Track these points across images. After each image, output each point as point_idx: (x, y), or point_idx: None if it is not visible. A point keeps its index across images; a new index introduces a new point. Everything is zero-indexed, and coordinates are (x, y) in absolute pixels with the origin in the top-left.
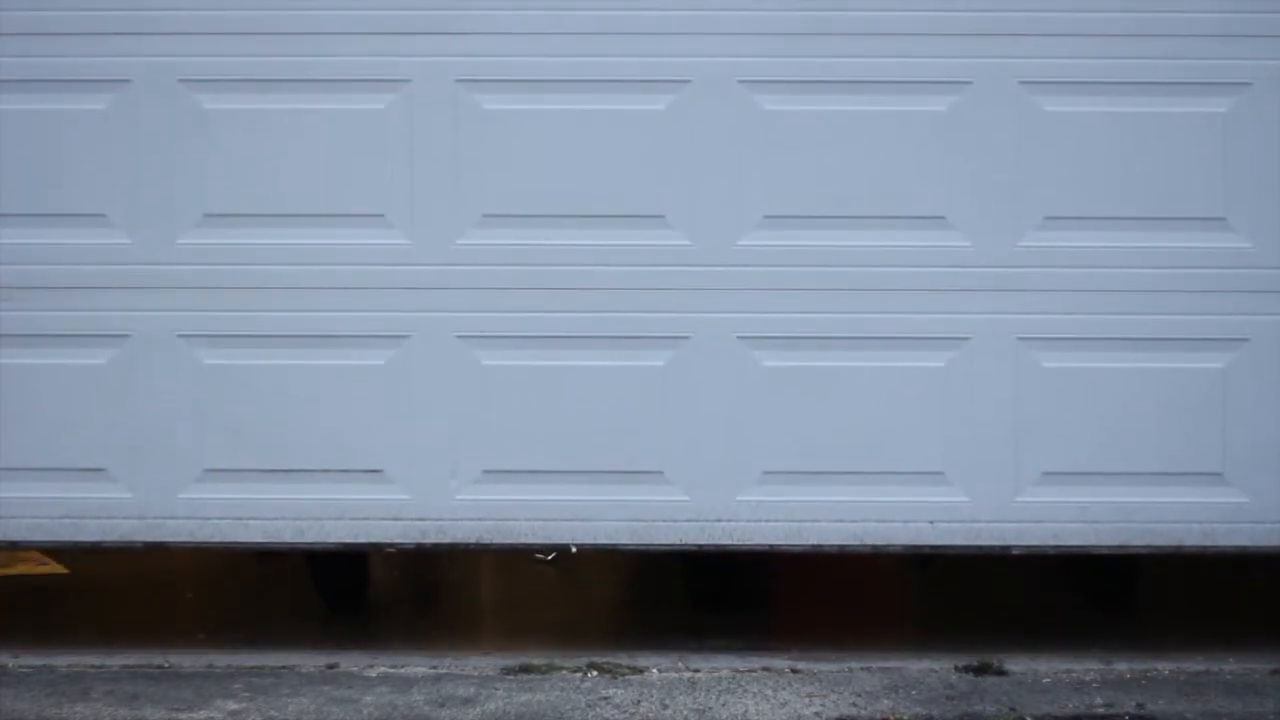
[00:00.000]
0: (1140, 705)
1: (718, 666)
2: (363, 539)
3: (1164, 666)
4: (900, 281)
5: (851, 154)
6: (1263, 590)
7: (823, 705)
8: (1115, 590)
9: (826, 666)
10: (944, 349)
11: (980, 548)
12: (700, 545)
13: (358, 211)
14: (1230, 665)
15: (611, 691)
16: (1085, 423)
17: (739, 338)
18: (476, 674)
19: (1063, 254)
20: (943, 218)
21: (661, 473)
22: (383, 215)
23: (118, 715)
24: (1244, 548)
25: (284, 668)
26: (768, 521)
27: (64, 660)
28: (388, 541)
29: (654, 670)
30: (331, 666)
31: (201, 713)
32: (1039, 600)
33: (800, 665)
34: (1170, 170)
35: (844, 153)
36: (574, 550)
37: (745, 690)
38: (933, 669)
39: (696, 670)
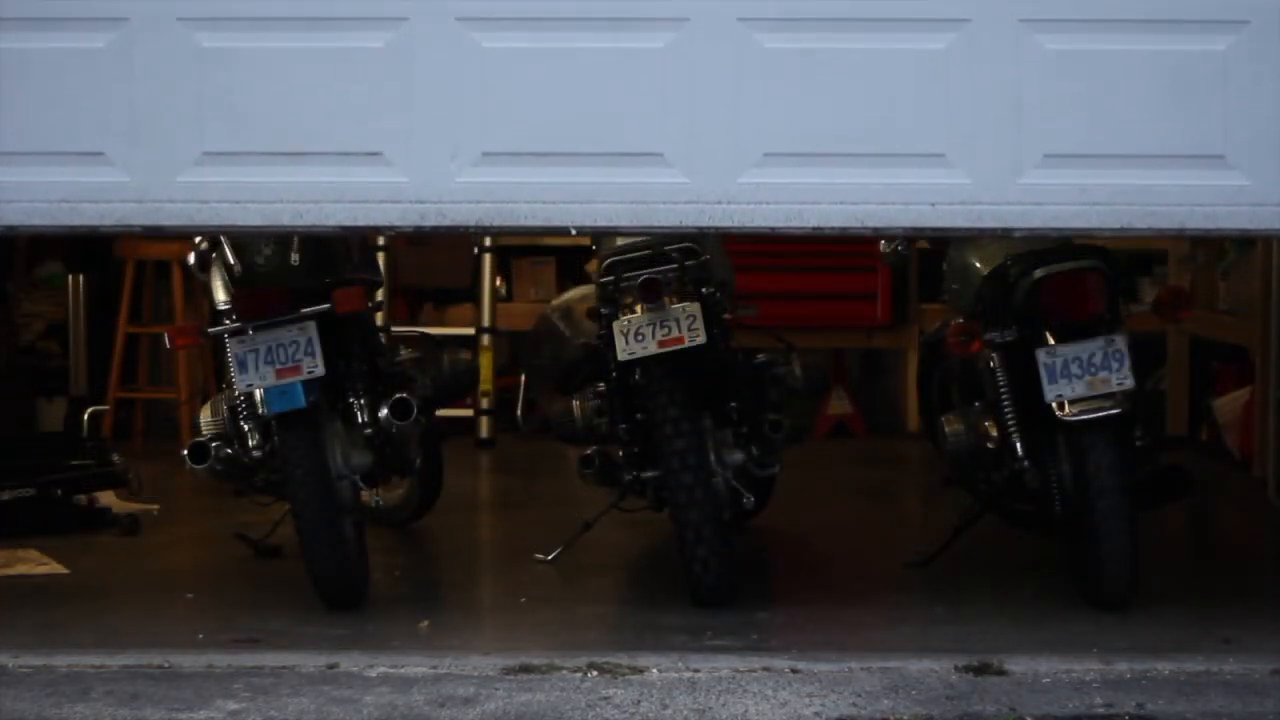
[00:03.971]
0: (1140, 705)
1: (718, 666)
2: (362, 222)
3: (1164, 666)
4: None
5: None
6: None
7: (823, 705)
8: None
9: (826, 666)
10: (944, 30)
11: (981, 229)
12: (700, 227)
13: None
14: (1230, 665)
15: (611, 691)
16: (1086, 105)
17: (739, 19)
18: (476, 674)
19: None
20: None
21: (661, 155)
22: None
23: (118, 715)
24: (1245, 230)
25: (284, 668)
26: (768, 204)
27: (64, 660)
28: (387, 224)
29: (654, 670)
30: (331, 666)
31: (201, 713)
32: (1039, 600)
33: (800, 665)
34: None
35: None
36: (573, 233)
37: (745, 690)
38: (933, 669)
39: (696, 670)
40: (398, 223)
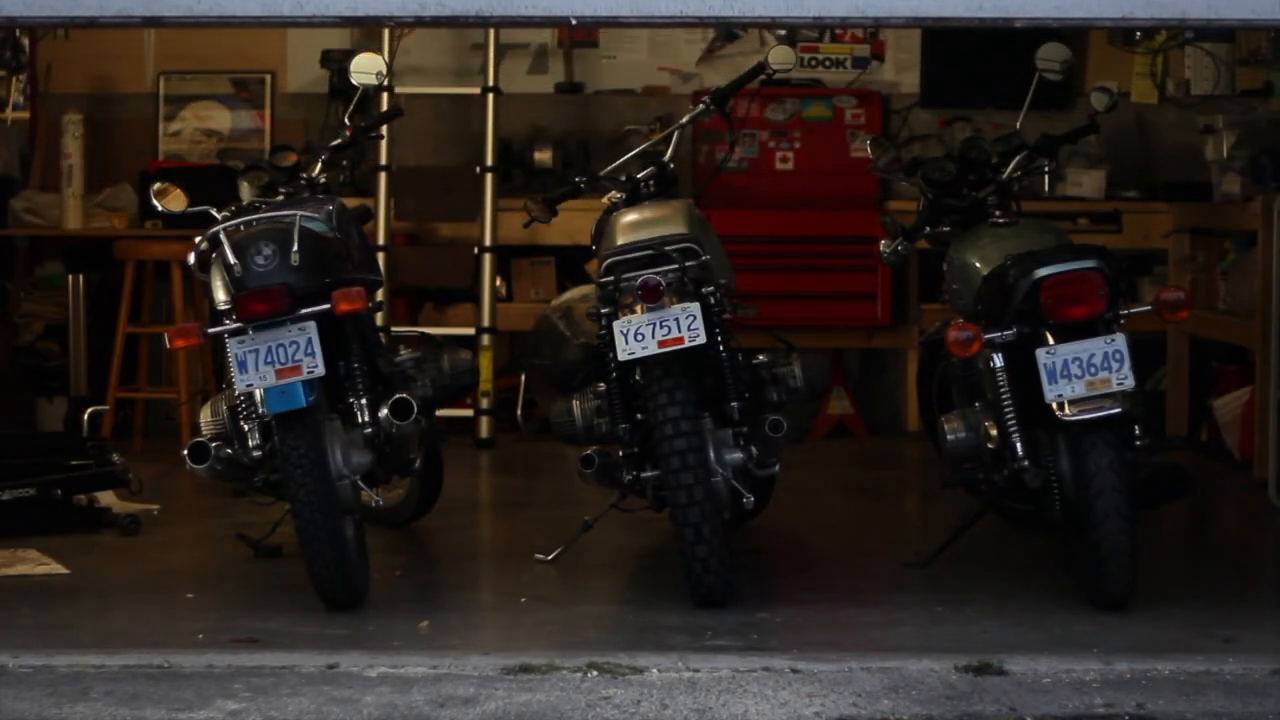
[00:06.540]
0: (1140, 705)
1: (718, 666)
2: (362, 12)
3: (1164, 666)
4: None
5: None
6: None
7: (823, 705)
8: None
9: (826, 666)
10: None
11: (983, 20)
12: (701, 18)
13: None
14: (1230, 665)
15: (611, 691)
16: None
17: None
18: (476, 674)
19: None
20: None
21: None
22: None
23: (118, 715)
24: (1247, 20)
25: (284, 668)
26: None
27: (64, 660)
28: (388, 15)
29: (654, 670)
30: (331, 666)
31: (201, 713)
32: (1039, 600)
33: (800, 665)
34: None
35: None
36: (574, 23)
37: (745, 690)
38: (933, 669)
39: (696, 670)
40: (398, 13)
